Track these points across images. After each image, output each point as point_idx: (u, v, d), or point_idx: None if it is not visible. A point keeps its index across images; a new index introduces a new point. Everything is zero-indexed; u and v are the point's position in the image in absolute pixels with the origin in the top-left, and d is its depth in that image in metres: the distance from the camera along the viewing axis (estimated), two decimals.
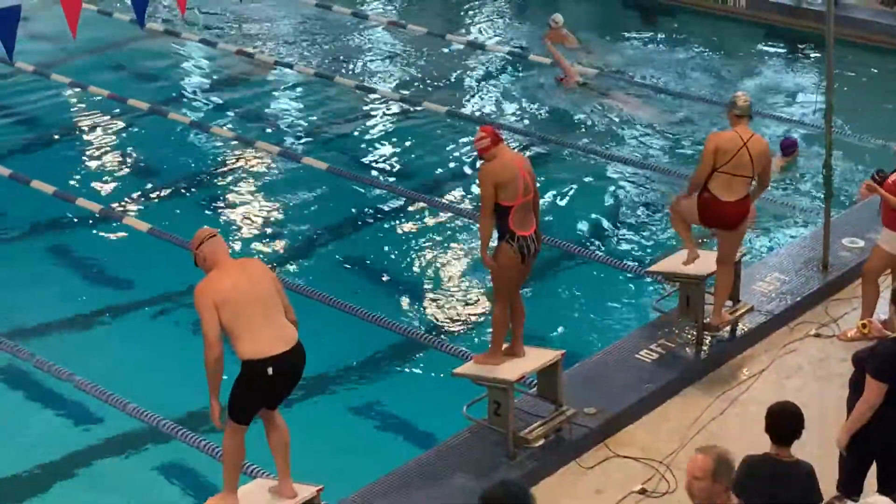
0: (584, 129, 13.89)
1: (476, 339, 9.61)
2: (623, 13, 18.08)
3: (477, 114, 14.38)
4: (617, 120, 14.07)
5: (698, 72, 15.41)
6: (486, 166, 7.38)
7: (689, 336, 8.83)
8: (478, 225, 7.68)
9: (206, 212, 12.08)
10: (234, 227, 11.76)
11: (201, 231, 6.68)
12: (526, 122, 14.20)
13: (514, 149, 11.82)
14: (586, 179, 12.72)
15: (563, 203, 12.21)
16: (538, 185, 7.65)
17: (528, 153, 12.98)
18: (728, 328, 8.92)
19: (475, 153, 7.60)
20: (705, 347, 8.78)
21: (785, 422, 5.96)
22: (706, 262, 8.76)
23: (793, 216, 11.58)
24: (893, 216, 8.65)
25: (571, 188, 12.50)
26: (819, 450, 6.87)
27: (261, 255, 11.12)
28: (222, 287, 6.44)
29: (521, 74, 15.63)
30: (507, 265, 7.45)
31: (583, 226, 11.75)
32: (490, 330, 7.84)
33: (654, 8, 17.98)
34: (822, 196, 9.87)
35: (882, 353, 6.49)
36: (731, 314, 8.85)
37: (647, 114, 14.21)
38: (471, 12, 18.11)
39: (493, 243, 7.51)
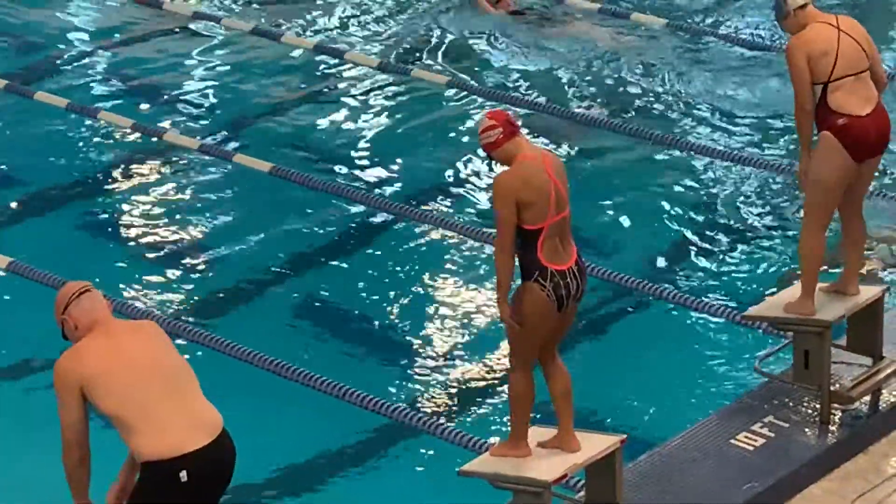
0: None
1: (495, 421, 9.63)
2: None
3: (496, 85, 14.44)
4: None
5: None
6: (504, 177, 7.32)
7: (810, 411, 8.85)
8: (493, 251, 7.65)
9: (94, 237, 12.15)
10: (134, 257, 11.81)
11: (67, 287, 6.72)
12: (586, 98, 14.37)
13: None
14: (643, 172, 12.84)
15: (615, 212, 12.28)
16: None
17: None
18: (868, 398, 8.93)
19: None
20: (834, 427, 8.79)
21: None
22: (832, 301, 8.82)
23: None
24: None
25: (621, 186, 12.61)
26: None
27: (174, 299, 11.16)
28: (97, 359, 6.48)
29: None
30: (537, 316, 7.36)
31: (644, 248, 11.84)
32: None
33: None
34: None
35: None
36: (869, 378, 8.86)
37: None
38: None
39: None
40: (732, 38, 15.30)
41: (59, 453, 6.67)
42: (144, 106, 14.31)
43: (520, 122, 7.94)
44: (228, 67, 15.20)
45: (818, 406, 8.79)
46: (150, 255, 11.87)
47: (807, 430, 8.76)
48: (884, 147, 8.76)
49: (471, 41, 15.60)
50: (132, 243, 12.06)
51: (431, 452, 9.32)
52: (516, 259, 7.36)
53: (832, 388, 8.74)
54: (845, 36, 8.57)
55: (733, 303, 10.71)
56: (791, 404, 8.92)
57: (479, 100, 14.08)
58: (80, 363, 6.51)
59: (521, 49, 15.37)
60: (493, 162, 7.53)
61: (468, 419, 9.77)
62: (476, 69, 14.98)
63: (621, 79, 14.69)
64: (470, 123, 13.58)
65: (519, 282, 7.44)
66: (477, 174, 12.76)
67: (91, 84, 14.90)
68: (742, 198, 12.43)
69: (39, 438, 9.07)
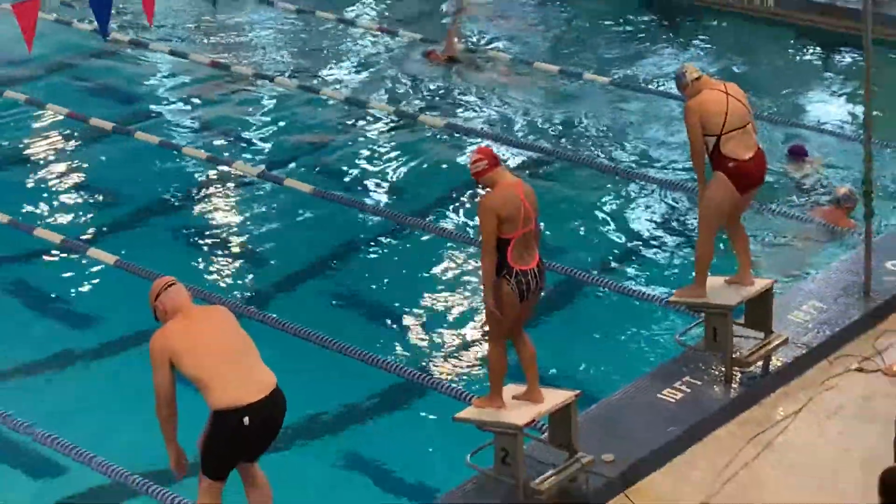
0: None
1: (481, 380, 9.54)
2: (641, 13, 18.17)
3: (480, 127, 14.42)
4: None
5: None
6: (488, 198, 7.35)
7: (717, 373, 8.83)
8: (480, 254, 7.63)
9: (180, 241, 12.12)
10: (209, 257, 11.78)
11: (158, 281, 6.78)
12: (550, 138, 14.29)
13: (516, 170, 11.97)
14: (593, 193, 12.83)
15: (572, 223, 12.24)
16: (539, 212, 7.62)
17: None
18: (761, 363, 8.91)
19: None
20: (735, 385, 8.76)
21: None
22: (733, 290, 8.82)
23: (830, 237, 11.58)
24: None
25: (583, 205, 12.56)
26: (863, 499, 6.84)
27: (239, 288, 11.15)
28: (181, 335, 6.52)
29: (539, 86, 15.72)
30: (505, 304, 7.38)
31: (595, 249, 11.77)
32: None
33: (673, 8, 18.11)
34: (863, 215, 9.87)
35: None
36: (762, 348, 8.85)
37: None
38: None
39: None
40: (659, 92, 15.27)
41: (154, 411, 6.70)
42: (218, 143, 14.28)
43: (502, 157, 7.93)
44: (280, 114, 15.16)
45: (723, 369, 8.78)
46: (221, 254, 11.85)
47: (715, 387, 8.75)
48: (762, 181, 8.83)
49: (460, 93, 15.58)
50: (208, 245, 12.02)
51: (433, 403, 9.29)
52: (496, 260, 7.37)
53: (734, 356, 8.73)
54: (732, 98, 8.55)
55: (660, 291, 10.69)
56: (703, 367, 8.91)
57: (468, 138, 14.05)
58: (169, 340, 6.52)
59: (496, 98, 15.34)
60: (483, 188, 7.53)
61: (460, 378, 9.74)
62: (466, 114, 14.95)
63: (573, 122, 14.66)
64: (462, 156, 13.55)
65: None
66: (464, 195, 12.72)
67: (177, 126, 14.87)
68: (664, 212, 12.41)
69: (139, 400, 9.13)
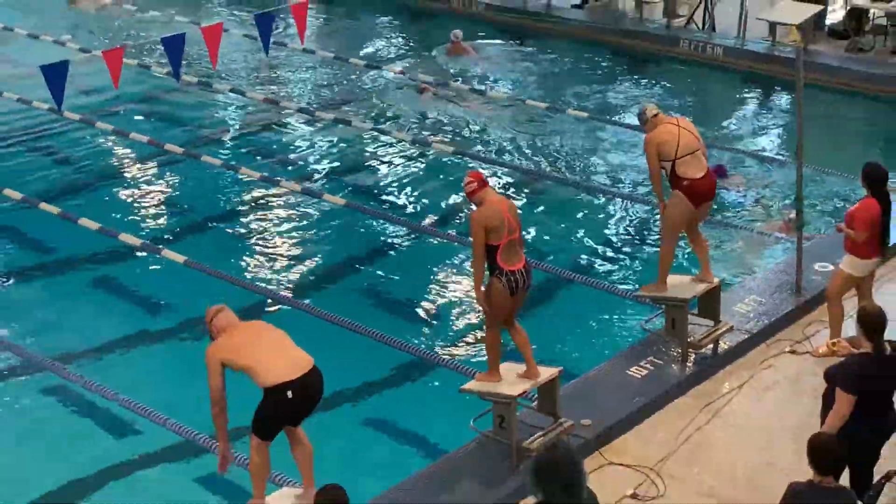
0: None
1: (482, 359, 9.52)
2: (611, 60, 18.13)
3: (480, 153, 14.41)
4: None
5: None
6: (477, 213, 7.35)
7: (675, 354, 8.81)
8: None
9: (237, 244, 12.08)
10: (260, 257, 11.76)
11: (209, 309, 6.84)
12: (534, 160, 14.24)
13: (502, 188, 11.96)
14: (573, 206, 12.82)
15: (555, 231, 12.19)
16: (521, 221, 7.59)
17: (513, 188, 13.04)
18: (711, 346, 8.88)
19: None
20: (690, 364, 8.76)
21: (826, 455, 5.93)
22: (689, 286, 8.79)
23: (768, 244, 11.56)
24: (850, 243, 8.68)
25: (564, 216, 12.52)
26: (795, 459, 6.81)
27: (283, 283, 11.15)
28: (229, 344, 6.56)
29: (528, 119, 15.65)
30: (497, 300, 7.38)
31: (574, 253, 11.73)
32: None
33: (638, 56, 18.10)
34: (796, 226, 9.85)
35: (850, 368, 6.51)
36: (712, 334, 8.82)
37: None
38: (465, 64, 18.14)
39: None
40: (626, 124, 15.24)
41: (206, 392, 6.67)
42: (268, 164, 14.27)
43: (491, 178, 7.91)
44: (319, 140, 15.17)
45: (680, 351, 8.78)
46: (270, 255, 11.83)
47: (673, 365, 8.75)
48: (713, 197, 8.77)
49: (463, 124, 15.55)
50: (259, 248, 11.99)
51: (442, 378, 9.29)
52: (485, 263, 7.37)
53: (689, 340, 8.74)
54: (683, 130, 8.52)
55: (629, 286, 10.67)
56: (663, 350, 8.91)
57: (471, 161, 14.03)
58: (220, 350, 6.59)
59: (487, 127, 15.32)
60: (473, 204, 7.53)
61: (464, 357, 9.72)
62: (469, 140, 14.94)
63: (554, 147, 14.64)
64: (463, 176, 13.52)
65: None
66: (464, 209, 12.71)
67: (235, 150, 14.87)
68: (632, 222, 12.39)
69: (202, 373, 9.11)
